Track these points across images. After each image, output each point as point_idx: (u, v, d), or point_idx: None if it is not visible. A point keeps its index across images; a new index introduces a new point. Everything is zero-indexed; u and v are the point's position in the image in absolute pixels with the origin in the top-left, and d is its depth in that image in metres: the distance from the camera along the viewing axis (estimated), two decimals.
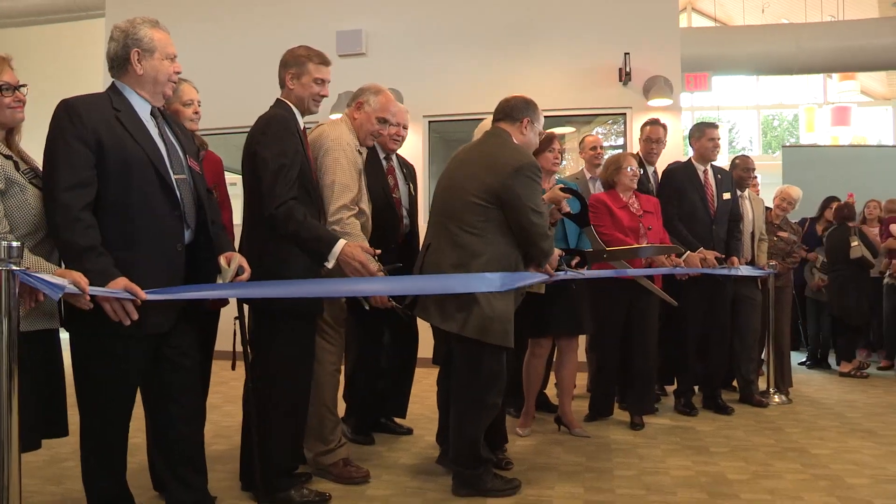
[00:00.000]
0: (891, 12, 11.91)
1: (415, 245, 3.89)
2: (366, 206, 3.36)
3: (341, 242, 2.75)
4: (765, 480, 3.37)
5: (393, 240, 3.74)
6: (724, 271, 4.68)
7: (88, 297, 2.07)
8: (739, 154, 5.82)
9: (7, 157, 2.23)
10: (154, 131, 2.41)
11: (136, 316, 2.18)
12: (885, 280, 6.75)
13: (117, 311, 2.17)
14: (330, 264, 2.76)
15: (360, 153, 3.35)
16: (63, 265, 2.22)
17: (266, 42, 6.60)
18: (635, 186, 4.40)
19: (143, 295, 2.17)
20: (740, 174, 5.14)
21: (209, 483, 2.64)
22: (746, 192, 5.21)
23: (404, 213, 3.90)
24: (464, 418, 3.09)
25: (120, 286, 2.14)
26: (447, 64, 7.02)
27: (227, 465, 3.51)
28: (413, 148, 6.53)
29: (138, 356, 2.35)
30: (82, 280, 2.04)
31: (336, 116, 6.71)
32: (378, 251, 2.85)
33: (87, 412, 2.36)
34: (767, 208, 5.66)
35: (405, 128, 3.90)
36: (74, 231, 2.16)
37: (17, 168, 2.24)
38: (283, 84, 3.04)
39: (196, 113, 3.10)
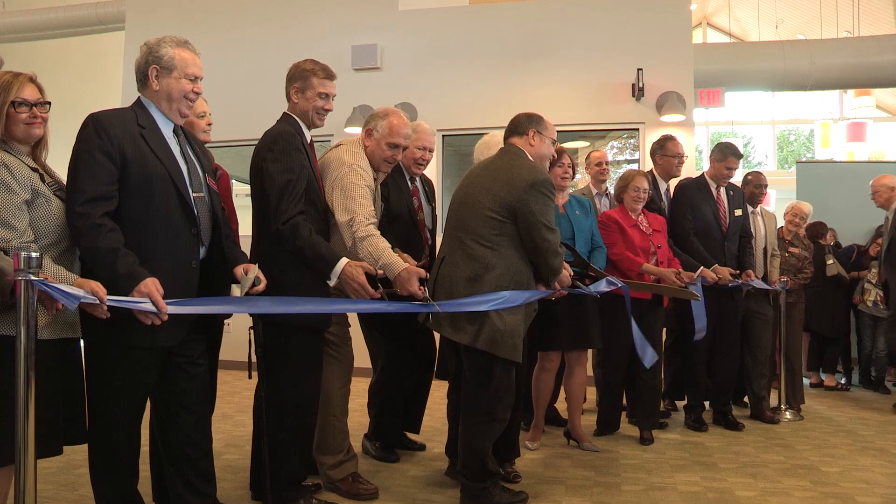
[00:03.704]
0: None
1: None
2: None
3: (343, 261, 2.78)
4: (773, 497, 3.36)
5: (417, 261, 3.74)
6: (738, 283, 4.67)
7: (106, 307, 2.11)
8: (752, 170, 5.81)
9: (33, 169, 2.29)
10: (176, 149, 2.47)
11: (166, 317, 2.22)
12: None
13: (147, 314, 2.21)
14: (332, 282, 2.81)
15: (375, 178, 3.31)
16: (85, 273, 2.28)
17: (282, 55, 6.65)
18: (639, 207, 4.42)
19: (165, 307, 2.20)
20: (752, 190, 5.14)
21: (220, 492, 2.68)
22: (758, 209, 5.22)
23: (427, 234, 3.94)
24: (472, 431, 3.10)
25: (150, 288, 2.18)
26: (461, 78, 7.09)
27: (238, 475, 3.55)
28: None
29: (149, 367, 2.39)
30: (100, 290, 2.09)
31: (351, 130, 6.79)
32: (381, 272, 2.87)
33: (97, 420, 2.40)
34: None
35: (431, 151, 3.90)
36: (97, 236, 2.21)
37: (42, 180, 2.30)
38: (289, 98, 3.08)
39: (209, 125, 3.17)
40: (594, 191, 5.07)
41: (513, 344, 3.03)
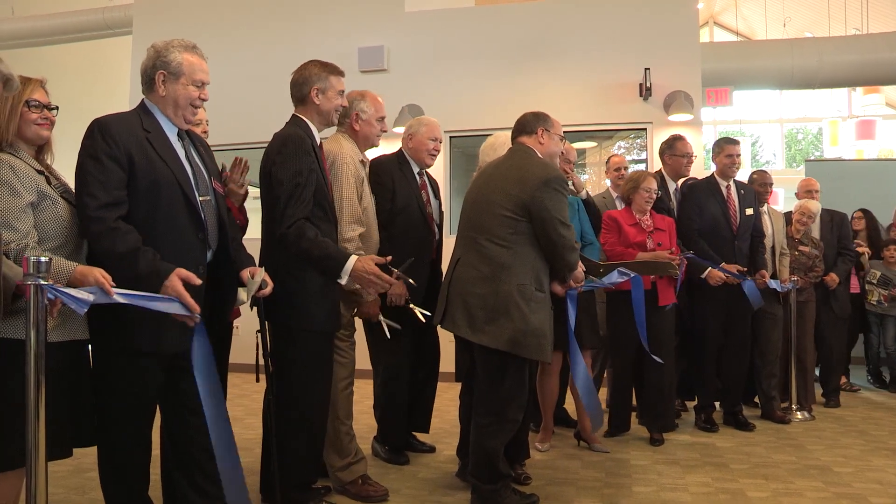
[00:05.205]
0: None
1: (441, 257, 4.03)
2: (372, 218, 3.53)
3: (353, 258, 2.80)
4: (785, 498, 3.34)
5: (427, 253, 3.88)
6: (745, 278, 4.63)
7: (113, 293, 2.09)
8: (757, 169, 5.80)
9: (39, 171, 2.29)
10: (181, 153, 2.46)
11: (198, 319, 2.26)
12: None
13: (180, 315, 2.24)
14: (343, 280, 2.82)
15: (364, 163, 3.50)
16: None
17: (288, 58, 6.63)
18: (648, 208, 4.42)
19: (196, 307, 2.23)
20: (757, 189, 5.13)
21: None
22: (765, 207, 5.19)
23: (435, 228, 4.00)
24: (484, 432, 3.09)
25: (178, 289, 2.20)
26: (468, 79, 7.08)
27: (248, 478, 3.51)
28: (435, 163, 6.58)
29: (155, 371, 2.39)
30: (104, 279, 2.07)
31: None
32: (389, 258, 2.88)
33: (105, 424, 2.39)
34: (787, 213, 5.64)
35: (441, 141, 4.06)
36: (115, 239, 2.21)
37: (48, 182, 2.30)
38: (302, 101, 3.08)
39: (204, 132, 3.16)
40: (614, 194, 5.10)
41: (537, 343, 3.01)
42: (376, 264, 2.83)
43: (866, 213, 6.91)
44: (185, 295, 2.21)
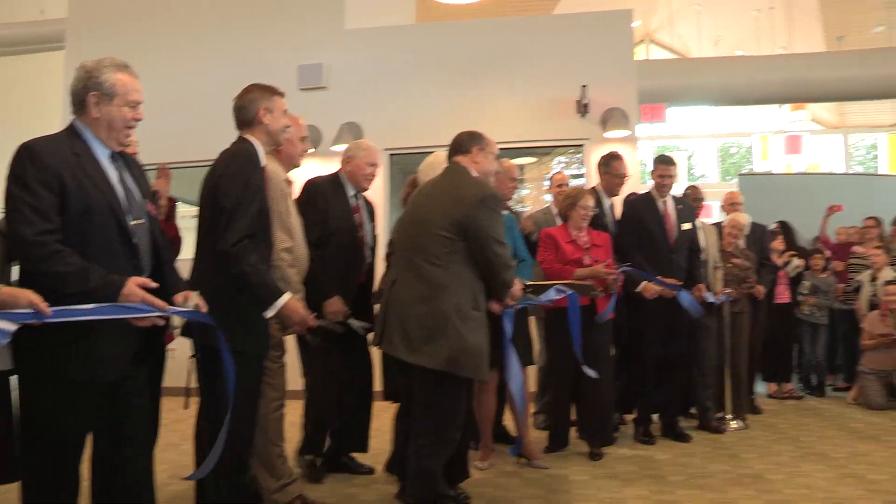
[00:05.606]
0: (835, 46, 12.37)
1: (373, 280, 4.02)
2: (299, 233, 3.44)
3: (286, 296, 2.79)
4: None
5: (356, 277, 3.86)
6: (679, 289, 4.73)
7: (50, 312, 2.03)
8: (690, 184, 5.98)
9: None
10: (114, 176, 2.38)
11: (165, 305, 2.27)
12: (834, 305, 6.98)
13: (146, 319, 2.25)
14: (269, 314, 2.79)
15: (288, 183, 3.45)
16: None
17: (227, 75, 6.60)
18: (586, 224, 4.49)
19: (164, 304, 2.25)
20: (691, 204, 5.25)
21: None
22: (698, 222, 5.32)
23: (367, 252, 3.97)
24: (422, 453, 3.09)
25: (139, 294, 2.20)
26: (408, 97, 7.09)
27: None
28: (374, 181, 6.56)
29: (90, 402, 2.30)
30: (37, 300, 2.01)
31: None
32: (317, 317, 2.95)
33: (32, 458, 2.29)
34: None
35: (378, 166, 4.07)
36: (58, 261, 2.14)
37: None
38: (248, 124, 3.03)
39: (134, 153, 3.09)
40: (554, 211, 5.13)
41: (474, 362, 3.04)
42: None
43: (783, 225, 7.19)
44: (148, 296, 2.18)
